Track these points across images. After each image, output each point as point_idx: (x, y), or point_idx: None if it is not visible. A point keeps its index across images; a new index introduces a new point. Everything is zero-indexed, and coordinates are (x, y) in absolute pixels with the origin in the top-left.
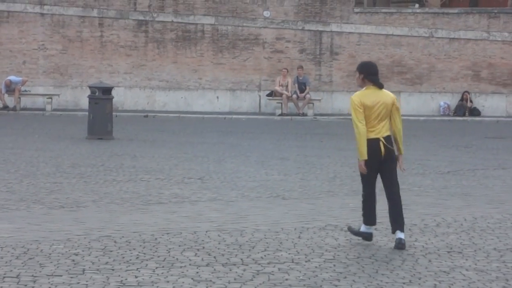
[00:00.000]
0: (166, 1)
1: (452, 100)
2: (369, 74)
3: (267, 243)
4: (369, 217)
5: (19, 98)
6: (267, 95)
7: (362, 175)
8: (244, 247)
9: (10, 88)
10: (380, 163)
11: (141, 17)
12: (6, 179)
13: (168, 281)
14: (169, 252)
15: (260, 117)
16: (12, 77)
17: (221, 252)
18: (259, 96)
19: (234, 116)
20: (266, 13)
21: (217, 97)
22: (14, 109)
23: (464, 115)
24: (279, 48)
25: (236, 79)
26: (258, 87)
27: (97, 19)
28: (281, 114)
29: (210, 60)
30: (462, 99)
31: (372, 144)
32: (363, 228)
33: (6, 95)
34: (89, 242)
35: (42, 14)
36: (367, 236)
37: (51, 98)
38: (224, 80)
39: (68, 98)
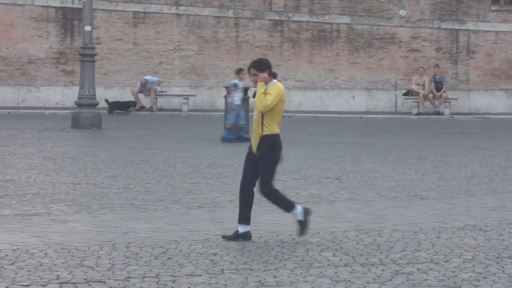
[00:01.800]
0: (302, 1)
1: None
2: (271, 69)
3: (405, 243)
4: (249, 215)
5: (156, 98)
6: (404, 94)
7: (272, 168)
8: (382, 247)
9: (146, 88)
10: None
11: (276, 17)
12: (144, 179)
13: (306, 281)
14: (307, 252)
15: (397, 116)
16: (149, 77)
17: (360, 252)
18: (395, 95)
19: (370, 116)
20: (402, 12)
21: (353, 97)
22: (150, 109)
23: None
24: (415, 47)
25: (372, 78)
26: (394, 86)
27: (232, 19)
28: (417, 113)
29: (345, 60)
30: None
31: (279, 139)
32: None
33: (142, 96)
34: (227, 242)
35: (178, 15)
36: (248, 236)
37: (187, 98)
38: (360, 80)
39: (204, 98)
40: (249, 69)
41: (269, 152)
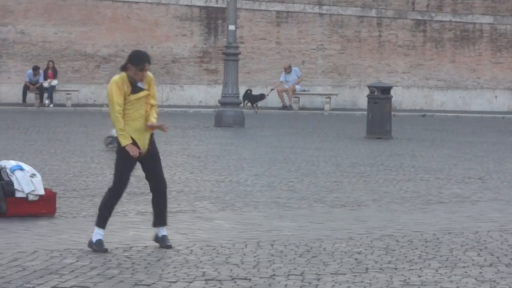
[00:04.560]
0: (445, 1)
1: None
2: None
3: None
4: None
5: (298, 97)
6: None
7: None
8: None
9: (287, 72)
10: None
11: (419, 17)
12: (287, 177)
13: (451, 281)
14: (451, 251)
15: None
16: (295, 68)
17: (504, 253)
18: None
19: None
20: None
21: (496, 97)
22: (289, 108)
23: None
24: None
25: None
26: None
27: (375, 19)
28: None
29: (488, 60)
30: None
31: None
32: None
33: (285, 96)
34: (371, 241)
35: (321, 14)
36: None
37: (329, 97)
38: (502, 80)
39: (346, 97)
40: (144, 63)
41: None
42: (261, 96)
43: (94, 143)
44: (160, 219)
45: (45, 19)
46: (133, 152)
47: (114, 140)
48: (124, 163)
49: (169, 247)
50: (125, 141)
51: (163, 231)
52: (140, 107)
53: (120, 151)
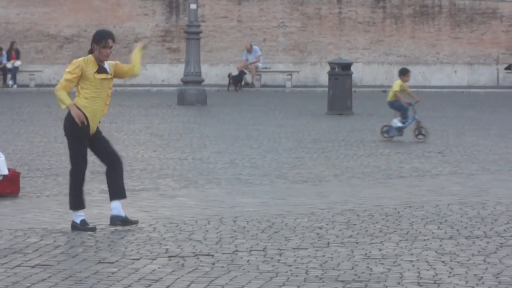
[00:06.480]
0: None
1: None
2: None
3: (509, 216)
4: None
5: (259, 75)
6: (505, 69)
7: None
8: (486, 220)
9: (251, 53)
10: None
11: None
12: (249, 154)
13: (412, 254)
14: (412, 225)
15: (498, 91)
16: (255, 47)
17: (464, 225)
18: (497, 69)
19: (472, 90)
20: None
21: (455, 71)
22: (251, 85)
23: None
24: None
25: (474, 53)
26: (496, 61)
27: None
28: None
29: (447, 35)
30: None
31: None
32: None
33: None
34: (332, 215)
35: None
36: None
37: (290, 74)
38: (462, 54)
39: (308, 74)
40: (107, 39)
41: None
42: (242, 73)
43: (58, 123)
44: (119, 191)
45: (7, 0)
46: (77, 115)
47: (390, 129)
48: (77, 143)
49: (136, 222)
50: (68, 101)
51: (120, 211)
52: (103, 90)
53: (70, 133)
